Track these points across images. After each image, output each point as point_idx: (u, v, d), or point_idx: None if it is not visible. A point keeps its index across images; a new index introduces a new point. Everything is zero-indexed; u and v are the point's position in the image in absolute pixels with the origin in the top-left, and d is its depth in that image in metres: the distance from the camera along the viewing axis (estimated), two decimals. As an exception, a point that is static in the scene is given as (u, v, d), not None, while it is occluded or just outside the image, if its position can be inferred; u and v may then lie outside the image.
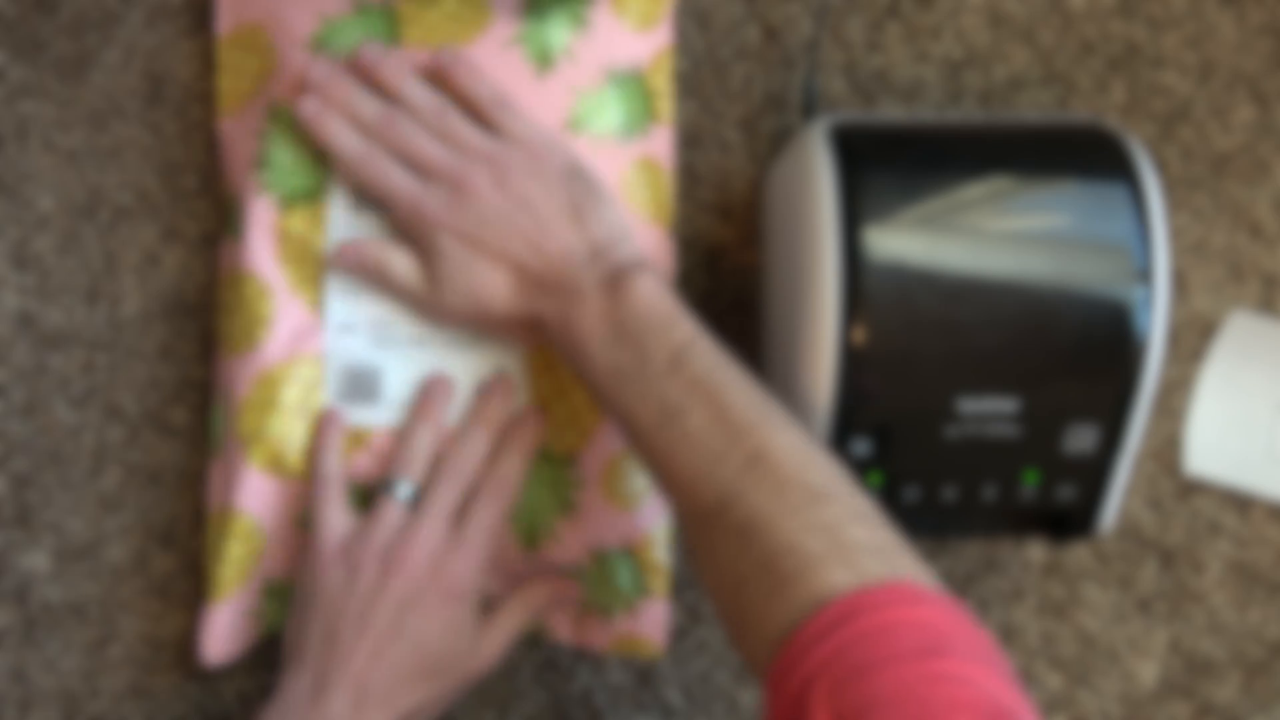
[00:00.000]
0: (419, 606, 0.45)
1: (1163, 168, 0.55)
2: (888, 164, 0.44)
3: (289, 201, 0.49)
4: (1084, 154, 0.45)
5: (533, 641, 0.54)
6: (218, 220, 0.53)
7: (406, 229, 0.47)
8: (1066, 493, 0.46)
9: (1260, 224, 0.55)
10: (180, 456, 0.53)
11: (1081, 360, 0.43)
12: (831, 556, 0.36)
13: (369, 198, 0.47)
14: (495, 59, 0.49)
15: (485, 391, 0.49)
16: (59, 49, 0.53)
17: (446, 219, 0.45)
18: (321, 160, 0.48)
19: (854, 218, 0.43)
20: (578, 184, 0.46)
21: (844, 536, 0.37)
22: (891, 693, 0.32)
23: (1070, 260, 0.43)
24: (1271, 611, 0.56)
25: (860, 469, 0.44)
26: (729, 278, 0.54)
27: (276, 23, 0.49)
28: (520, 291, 0.45)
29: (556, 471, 0.49)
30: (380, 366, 0.49)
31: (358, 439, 0.49)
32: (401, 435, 0.48)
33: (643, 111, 0.51)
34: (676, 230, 0.54)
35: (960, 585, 0.55)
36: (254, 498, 0.48)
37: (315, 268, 0.49)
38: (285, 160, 0.49)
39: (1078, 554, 0.55)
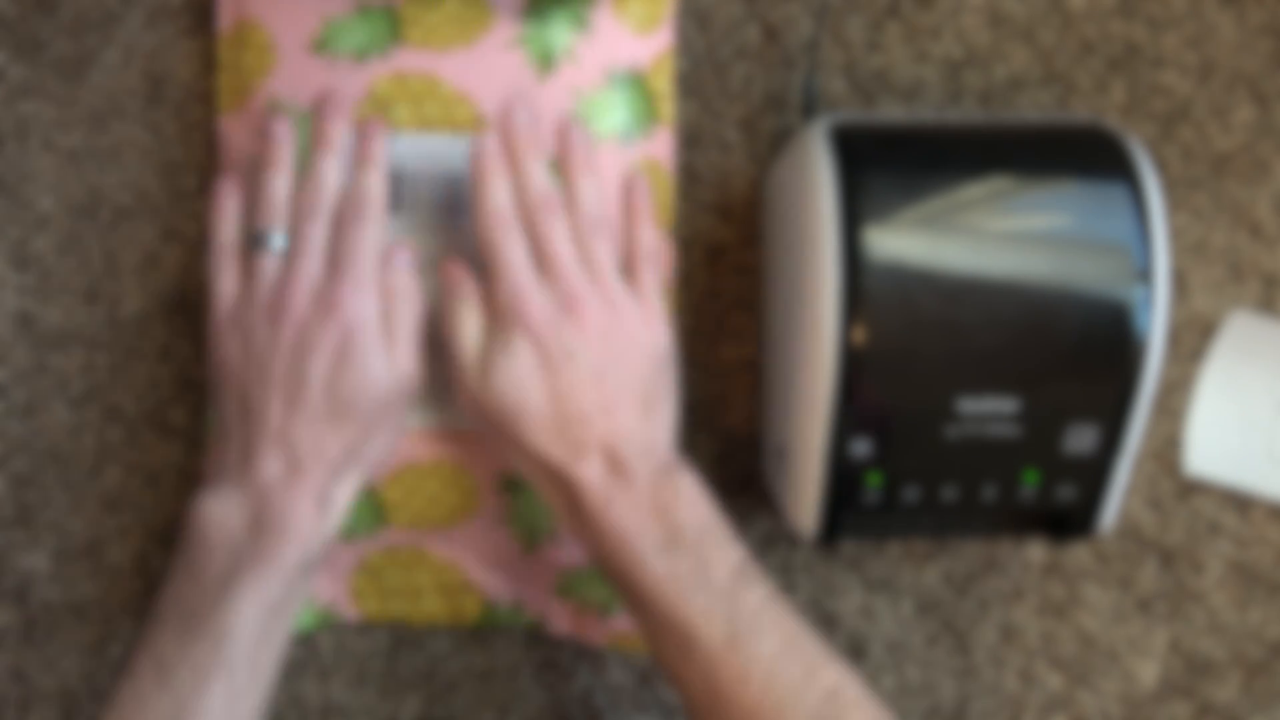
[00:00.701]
0: (314, 347, 0.43)
1: (1163, 168, 0.55)
2: (888, 164, 0.44)
3: None
4: (1084, 154, 0.45)
5: (533, 641, 0.54)
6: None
7: (494, 306, 0.44)
8: (1066, 493, 0.46)
9: (1260, 224, 0.55)
10: (180, 456, 0.53)
11: (1081, 360, 0.43)
12: None
13: (482, 257, 0.45)
14: (496, 61, 0.49)
15: (321, 116, 0.47)
16: (59, 49, 0.53)
17: (541, 326, 0.43)
18: None
19: (854, 218, 0.43)
20: (663, 376, 0.46)
21: None
22: None
23: (1070, 260, 0.43)
24: (1271, 611, 0.56)
25: (860, 469, 0.44)
26: (729, 278, 0.54)
27: (277, 21, 0.49)
28: (564, 441, 0.43)
29: None
30: None
31: None
32: (256, 186, 0.46)
33: (644, 113, 0.51)
34: (676, 230, 0.54)
35: (960, 585, 0.55)
36: None
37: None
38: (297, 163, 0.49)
39: (1078, 554, 0.55)
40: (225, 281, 0.46)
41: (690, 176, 0.54)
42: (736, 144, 0.54)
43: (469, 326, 0.45)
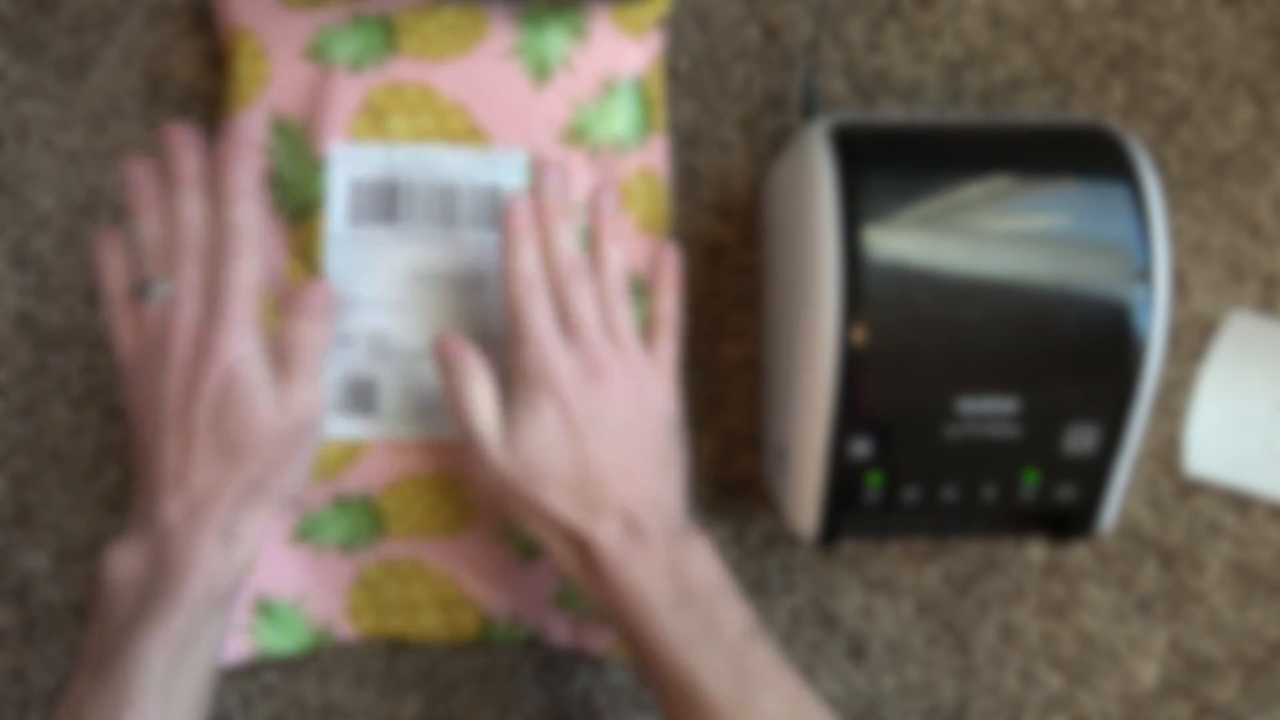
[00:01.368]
0: (198, 390, 0.42)
1: (1163, 168, 0.55)
2: (888, 164, 0.44)
3: (295, 216, 0.49)
4: (1084, 154, 0.45)
5: (532, 642, 0.54)
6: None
7: (519, 369, 0.44)
8: (1066, 493, 0.46)
9: (1260, 224, 0.55)
10: (180, 456, 0.53)
11: (1081, 360, 0.43)
12: None
13: (509, 320, 0.45)
14: (492, 70, 0.49)
15: (170, 154, 0.45)
16: (59, 49, 0.53)
17: (568, 390, 0.43)
18: (317, 174, 0.48)
19: (854, 218, 0.43)
20: (675, 440, 0.46)
21: None
22: None
23: (1070, 260, 0.43)
24: (1271, 611, 0.56)
25: (860, 469, 0.44)
26: (729, 278, 0.54)
27: (270, 29, 0.49)
28: (583, 503, 0.43)
29: None
30: (377, 379, 0.49)
31: (352, 451, 0.49)
32: (132, 234, 0.45)
33: (642, 121, 0.51)
34: (676, 232, 0.54)
35: (960, 585, 0.55)
36: None
37: (316, 279, 0.49)
38: (291, 176, 0.49)
39: (1078, 554, 0.55)
40: (121, 331, 0.45)
41: (690, 176, 0.54)
42: (736, 144, 0.54)
43: (483, 399, 0.44)
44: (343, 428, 0.48)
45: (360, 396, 0.49)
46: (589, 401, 0.44)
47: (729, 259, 0.54)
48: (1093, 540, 0.55)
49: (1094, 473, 0.45)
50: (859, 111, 0.54)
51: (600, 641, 0.52)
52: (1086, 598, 0.55)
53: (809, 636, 0.55)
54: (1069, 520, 0.47)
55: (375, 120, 0.48)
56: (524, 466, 0.43)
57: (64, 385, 0.53)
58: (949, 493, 0.45)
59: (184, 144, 0.45)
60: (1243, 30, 0.55)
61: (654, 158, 0.51)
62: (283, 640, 0.51)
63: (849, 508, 0.46)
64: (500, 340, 0.49)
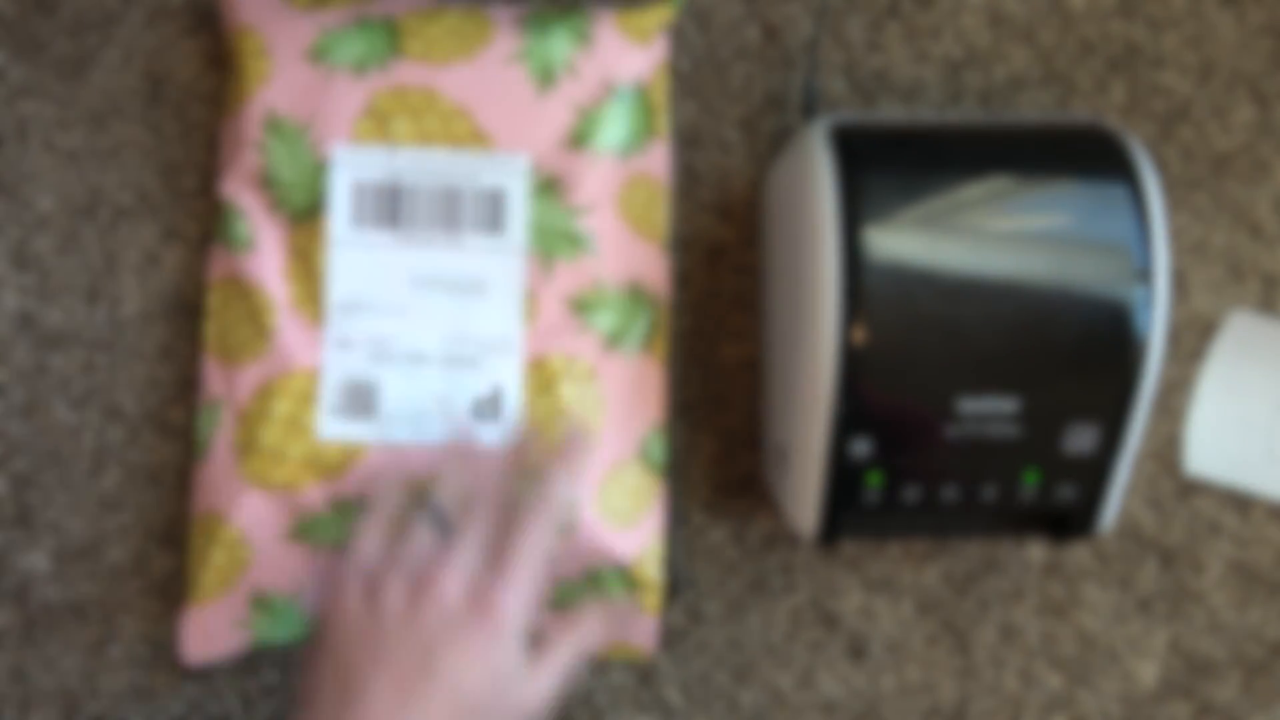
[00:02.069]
0: (455, 642, 0.39)
1: (1163, 168, 0.55)
2: (888, 164, 0.44)
3: (296, 218, 0.49)
4: (1084, 154, 0.45)
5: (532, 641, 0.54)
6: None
7: None
8: (1066, 493, 0.46)
9: (1260, 224, 0.55)
10: (180, 456, 0.53)
11: (1081, 360, 0.43)
12: None
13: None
14: (496, 74, 0.49)
15: (526, 435, 0.46)
16: (59, 49, 0.53)
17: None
18: (319, 176, 0.48)
19: (854, 218, 0.43)
20: None
21: None
22: None
23: (1070, 260, 0.43)
24: (1271, 611, 0.56)
25: (860, 469, 0.44)
26: (729, 278, 0.54)
27: (273, 28, 0.49)
28: None
29: None
30: (377, 382, 0.49)
31: (351, 453, 0.49)
32: (441, 454, 0.45)
33: (644, 127, 0.51)
34: (676, 230, 0.54)
35: (960, 585, 0.55)
36: (242, 509, 0.48)
37: (317, 283, 0.49)
38: (288, 176, 0.49)
39: (1078, 554, 0.55)
40: (369, 539, 0.42)
41: (690, 176, 0.54)
42: (736, 144, 0.54)
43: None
44: (342, 430, 0.48)
45: (360, 399, 0.49)
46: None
47: (729, 259, 0.54)
48: (1093, 540, 0.55)
49: (1094, 473, 0.45)
50: (859, 111, 0.54)
51: (600, 642, 0.52)
52: (1086, 598, 0.55)
53: (809, 636, 0.55)
54: (1069, 520, 0.47)
55: (378, 123, 0.48)
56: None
57: (64, 385, 0.53)
58: (949, 493, 0.45)
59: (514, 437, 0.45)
60: (1243, 30, 0.55)
61: (655, 164, 0.51)
62: (280, 632, 0.51)
63: (849, 508, 0.46)
64: (501, 346, 0.49)
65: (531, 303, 0.49)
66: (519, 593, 0.40)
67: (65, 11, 0.53)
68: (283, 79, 0.49)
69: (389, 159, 0.49)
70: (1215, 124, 0.55)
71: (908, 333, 0.43)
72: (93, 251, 0.53)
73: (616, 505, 0.50)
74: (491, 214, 0.49)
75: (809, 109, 0.52)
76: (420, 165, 0.49)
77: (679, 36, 0.54)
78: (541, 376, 0.49)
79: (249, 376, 0.49)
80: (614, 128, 0.50)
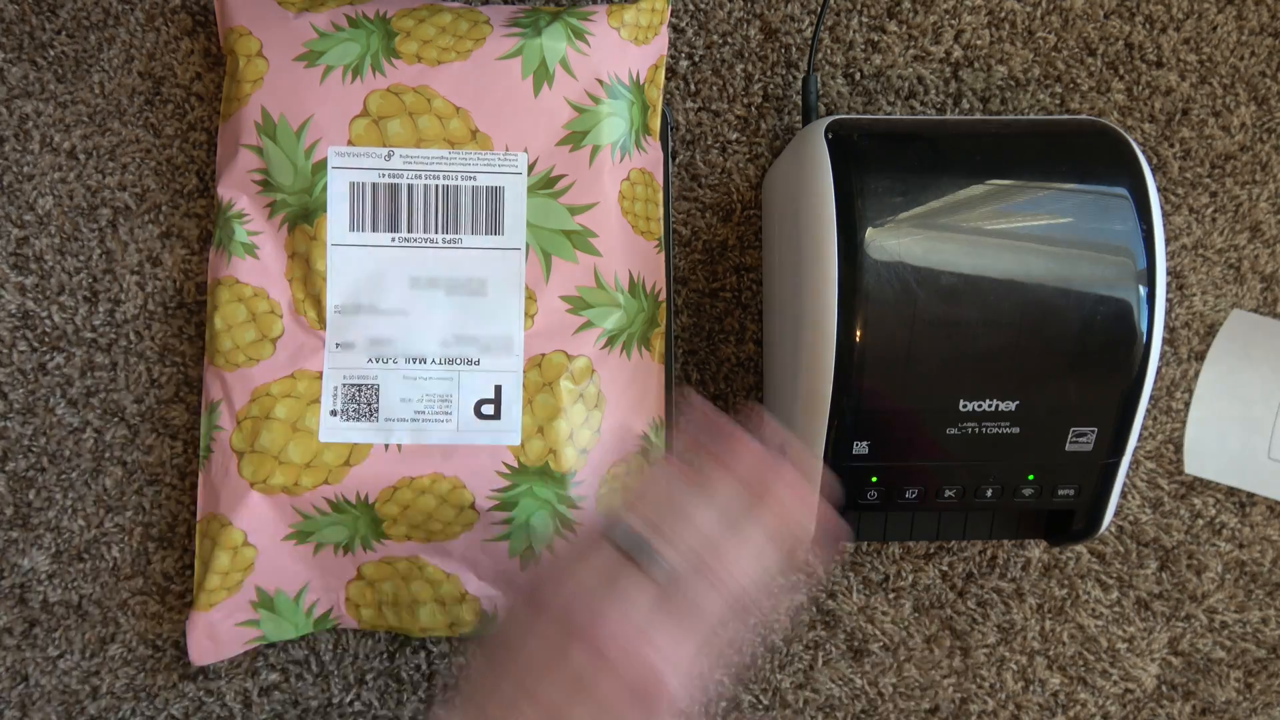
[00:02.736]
0: (594, 691, 0.35)
1: (1163, 168, 0.55)
2: (887, 164, 0.44)
3: (295, 220, 0.49)
4: (1084, 154, 0.45)
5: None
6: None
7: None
8: (1066, 493, 0.46)
9: (1260, 224, 0.55)
10: (180, 456, 0.53)
11: (1081, 361, 0.43)
12: None
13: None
14: (492, 73, 0.49)
15: (774, 493, 0.38)
16: (59, 49, 0.53)
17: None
18: (317, 178, 0.48)
19: (853, 218, 0.43)
20: None
21: None
22: None
23: (1069, 261, 0.43)
24: (1271, 611, 0.56)
25: (860, 469, 0.44)
26: (729, 278, 0.54)
27: (266, 29, 0.49)
28: None
29: (556, 489, 0.49)
30: (379, 383, 0.49)
31: (350, 455, 0.49)
32: (675, 497, 0.37)
33: (639, 125, 0.51)
34: (676, 230, 0.54)
35: (960, 585, 0.55)
36: (244, 511, 0.48)
37: (316, 285, 0.49)
38: (286, 179, 0.49)
39: (1078, 554, 0.55)
40: (586, 571, 0.37)
41: (690, 176, 0.54)
42: (736, 144, 0.54)
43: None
44: (343, 431, 0.48)
45: (360, 401, 0.49)
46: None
47: (729, 259, 0.54)
48: (1092, 540, 0.55)
49: (1094, 472, 0.45)
50: (859, 112, 0.54)
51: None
52: (1086, 598, 0.55)
53: (809, 636, 0.55)
54: (1069, 520, 0.47)
55: (375, 124, 0.48)
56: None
57: (64, 385, 0.53)
58: (949, 493, 0.45)
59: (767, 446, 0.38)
60: (1243, 30, 0.55)
61: (650, 160, 0.51)
62: (285, 629, 0.51)
63: (849, 508, 0.46)
64: (501, 346, 0.49)
65: (531, 302, 0.49)
66: (683, 668, 0.36)
67: (65, 11, 0.53)
68: (278, 81, 0.49)
69: (386, 160, 0.49)
70: (1215, 124, 0.55)
71: (908, 333, 0.42)
72: (93, 251, 0.53)
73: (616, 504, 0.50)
74: (490, 214, 0.49)
75: (809, 109, 0.52)
76: (417, 166, 0.49)
77: (679, 37, 0.54)
78: (541, 376, 0.49)
79: (249, 379, 0.49)
80: (609, 125, 0.50)
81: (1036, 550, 0.55)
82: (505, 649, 0.37)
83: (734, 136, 0.54)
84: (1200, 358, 0.55)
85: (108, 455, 0.53)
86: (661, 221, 0.52)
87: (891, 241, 0.42)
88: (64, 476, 0.53)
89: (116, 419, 0.53)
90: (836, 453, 0.44)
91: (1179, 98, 0.55)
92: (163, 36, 0.53)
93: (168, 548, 0.53)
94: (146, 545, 0.53)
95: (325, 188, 0.48)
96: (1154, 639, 0.55)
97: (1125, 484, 0.55)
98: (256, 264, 0.49)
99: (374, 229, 0.49)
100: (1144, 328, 0.43)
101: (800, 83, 0.54)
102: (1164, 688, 0.56)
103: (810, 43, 0.53)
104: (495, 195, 0.49)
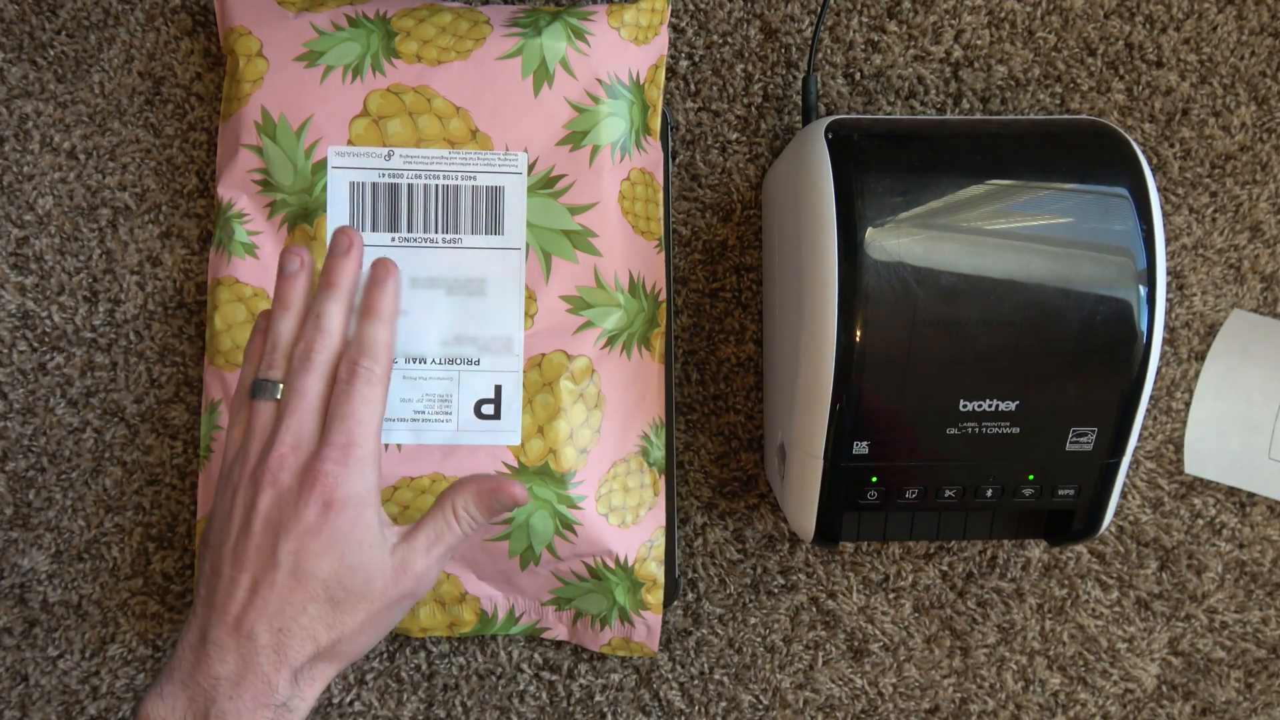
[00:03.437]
0: (294, 524, 0.37)
1: (1163, 168, 0.55)
2: (887, 164, 0.44)
3: (294, 220, 0.49)
4: (1084, 154, 0.45)
5: (533, 641, 0.54)
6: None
7: None
8: (1066, 493, 0.46)
9: (1260, 224, 0.55)
10: (180, 456, 0.53)
11: (1081, 361, 0.43)
12: None
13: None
14: (492, 73, 0.49)
15: (332, 252, 0.41)
16: (59, 49, 0.53)
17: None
18: (317, 178, 0.48)
19: (854, 218, 0.43)
20: None
21: None
22: None
23: (1069, 261, 0.43)
24: (1271, 611, 0.56)
25: (860, 469, 0.44)
26: (729, 278, 0.54)
27: (268, 31, 0.49)
28: None
29: (556, 489, 0.49)
30: None
31: None
32: (266, 327, 0.41)
33: (639, 125, 0.51)
34: (676, 230, 0.54)
35: (960, 585, 0.55)
36: None
37: (315, 286, 0.49)
38: (286, 179, 0.49)
39: (1078, 554, 0.55)
40: (233, 430, 0.40)
41: (690, 176, 0.54)
42: (736, 144, 0.54)
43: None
44: None
45: None
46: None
47: (729, 259, 0.54)
48: (1092, 540, 0.55)
49: (1094, 473, 0.45)
50: (859, 111, 0.54)
51: (596, 643, 0.52)
52: (1086, 598, 0.55)
53: (809, 636, 0.55)
54: (1069, 520, 0.47)
55: (375, 124, 0.48)
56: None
57: (64, 385, 0.53)
58: (949, 493, 0.45)
59: (350, 251, 0.41)
60: (1243, 30, 0.55)
61: (650, 160, 0.51)
62: None
63: (849, 508, 0.46)
64: (501, 345, 0.49)
65: (531, 302, 0.49)
66: (353, 460, 0.38)
67: (65, 11, 0.53)
68: (278, 81, 0.49)
69: (386, 160, 0.49)
70: (1215, 124, 0.55)
71: (908, 333, 0.42)
72: (93, 251, 0.53)
73: (617, 504, 0.50)
74: (490, 214, 0.49)
75: (809, 109, 0.52)
76: (418, 166, 0.49)
77: (679, 37, 0.54)
78: (541, 376, 0.49)
79: None
80: (610, 125, 0.50)
81: (1036, 550, 0.55)
82: (215, 538, 0.39)
83: (734, 136, 0.54)
84: (1200, 358, 0.55)
85: (108, 455, 0.53)
86: (661, 221, 0.52)
87: (891, 241, 0.42)
88: (64, 476, 0.53)
89: (116, 419, 0.53)
90: (836, 453, 0.44)
91: (1179, 98, 0.55)
92: (163, 36, 0.53)
93: (168, 548, 0.53)
94: (146, 545, 0.53)
95: (325, 187, 0.48)
96: (1154, 639, 0.55)
97: (1125, 484, 0.55)
98: (256, 264, 0.49)
99: (374, 229, 0.49)
100: (1144, 328, 0.43)
101: (800, 83, 0.54)
102: (1164, 688, 0.56)
103: (810, 43, 0.53)
104: (495, 195, 0.49)
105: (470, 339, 0.49)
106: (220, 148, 0.51)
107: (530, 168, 0.49)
